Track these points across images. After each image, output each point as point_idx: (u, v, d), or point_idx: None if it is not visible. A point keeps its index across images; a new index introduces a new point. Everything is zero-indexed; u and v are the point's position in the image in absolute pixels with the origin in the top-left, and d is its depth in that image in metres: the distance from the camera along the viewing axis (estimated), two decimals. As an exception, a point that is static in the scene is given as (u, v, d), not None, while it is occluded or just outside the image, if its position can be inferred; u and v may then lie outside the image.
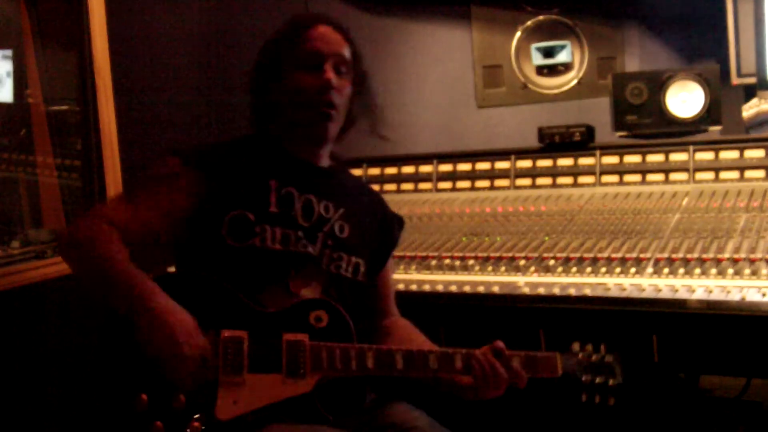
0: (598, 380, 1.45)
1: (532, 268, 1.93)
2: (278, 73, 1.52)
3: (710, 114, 2.43)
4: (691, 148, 2.36)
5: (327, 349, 1.35)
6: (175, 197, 1.43)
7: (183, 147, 1.52)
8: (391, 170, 2.73)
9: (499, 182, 2.58)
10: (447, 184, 2.64)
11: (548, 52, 3.13)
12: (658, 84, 2.47)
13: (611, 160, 2.45)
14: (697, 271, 1.77)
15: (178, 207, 1.43)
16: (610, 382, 1.46)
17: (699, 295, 1.68)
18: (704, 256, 1.83)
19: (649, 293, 1.72)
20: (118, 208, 1.45)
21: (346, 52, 1.55)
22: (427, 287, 1.94)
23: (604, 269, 1.86)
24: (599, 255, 1.93)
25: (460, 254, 2.07)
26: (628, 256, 1.90)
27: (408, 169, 2.71)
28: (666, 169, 2.38)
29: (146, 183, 1.48)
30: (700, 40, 3.02)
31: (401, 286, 1.97)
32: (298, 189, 1.51)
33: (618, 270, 1.85)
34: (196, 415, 1.29)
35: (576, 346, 1.49)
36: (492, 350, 1.42)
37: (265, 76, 1.54)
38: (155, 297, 1.29)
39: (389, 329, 1.64)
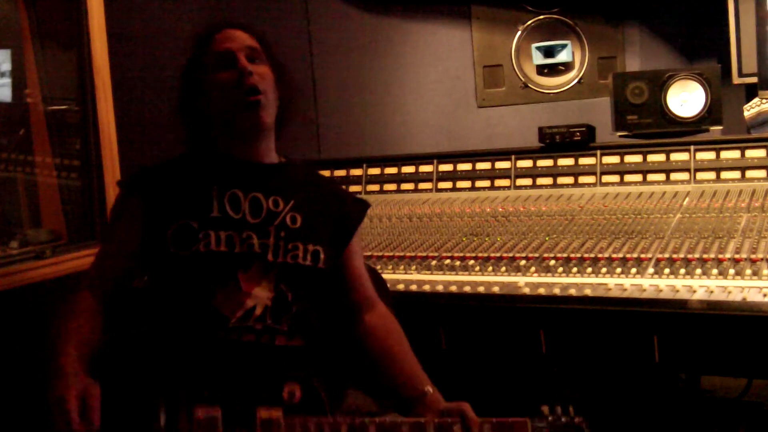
0: None
1: (533, 269, 1.93)
2: (200, 87, 1.56)
3: (711, 114, 2.43)
4: (692, 148, 2.36)
5: (301, 424, 1.33)
6: (129, 228, 1.52)
7: (128, 176, 1.62)
8: (391, 170, 2.73)
9: (499, 182, 2.57)
10: (447, 184, 2.64)
11: (549, 52, 3.13)
12: (659, 84, 2.47)
13: (612, 160, 2.45)
14: (698, 271, 1.77)
15: (134, 235, 1.51)
16: None
17: (700, 295, 1.67)
18: (705, 256, 1.82)
19: (650, 293, 1.72)
20: (93, 266, 1.54)
21: (255, 44, 1.58)
22: (427, 287, 1.93)
23: (604, 269, 1.86)
24: (600, 255, 1.93)
25: (461, 254, 2.07)
26: (628, 256, 1.89)
27: (408, 169, 2.71)
28: (667, 169, 2.37)
29: (108, 228, 1.61)
30: (700, 40, 3.02)
31: (401, 287, 1.97)
32: (243, 190, 1.52)
33: (619, 270, 1.84)
34: None
35: (545, 409, 1.50)
36: (463, 428, 1.39)
37: (190, 95, 1.59)
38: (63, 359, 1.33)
39: (368, 331, 1.60)
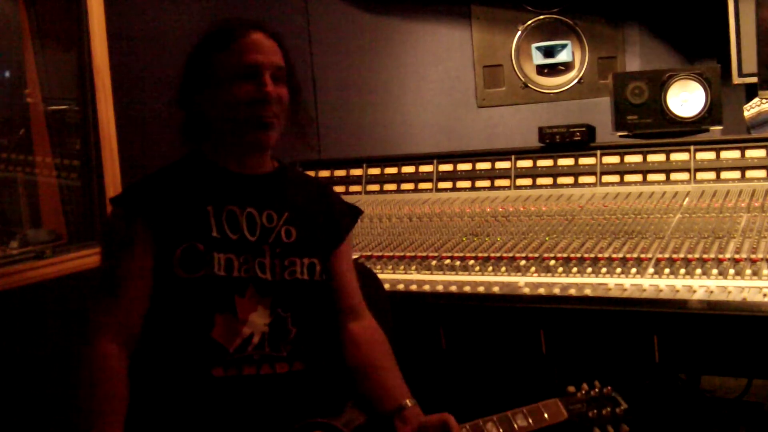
0: (605, 412, 1.45)
1: (533, 269, 1.93)
2: (211, 84, 1.45)
3: (711, 114, 2.43)
4: (692, 148, 2.36)
5: None
6: (142, 254, 1.41)
7: (126, 195, 1.50)
8: (391, 170, 2.73)
9: (499, 182, 2.57)
10: (447, 184, 2.64)
11: (549, 52, 3.13)
12: (659, 84, 2.47)
13: (612, 160, 2.45)
14: (698, 271, 1.77)
15: (148, 261, 1.41)
16: (617, 410, 1.46)
17: (700, 295, 1.67)
18: (705, 256, 1.82)
19: (650, 293, 1.72)
20: (107, 309, 1.40)
21: (281, 60, 1.48)
22: (427, 287, 1.93)
23: (604, 269, 1.86)
24: (600, 255, 1.93)
25: (460, 254, 2.07)
26: (629, 256, 1.89)
27: (408, 169, 2.71)
28: (667, 169, 2.37)
29: (115, 258, 1.43)
30: (700, 40, 3.02)
31: (401, 287, 1.97)
32: (239, 205, 1.47)
33: (619, 270, 1.84)
34: None
35: (571, 388, 1.50)
36: None
37: (196, 88, 1.48)
38: None
39: (351, 341, 1.57)
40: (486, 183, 2.59)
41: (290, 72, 1.52)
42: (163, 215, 1.42)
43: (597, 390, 1.50)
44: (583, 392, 1.48)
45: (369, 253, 2.17)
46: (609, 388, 1.50)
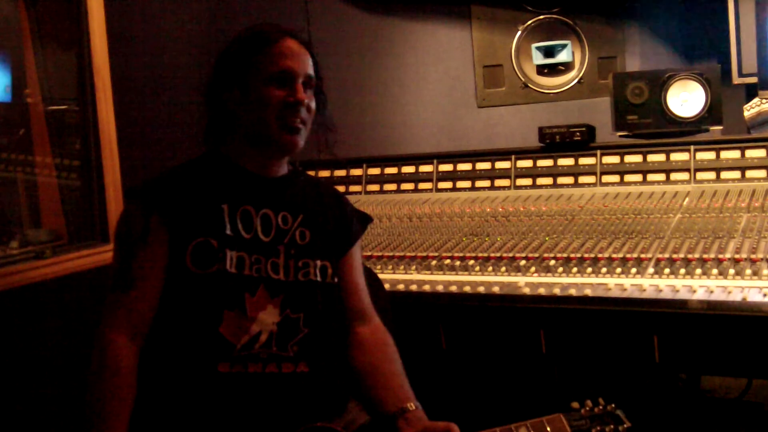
0: (608, 430, 1.46)
1: (533, 269, 1.93)
2: (242, 85, 1.48)
3: (711, 114, 2.43)
4: (692, 148, 2.36)
5: None
6: (156, 250, 1.42)
7: (140, 189, 1.49)
8: (391, 170, 2.73)
9: (499, 182, 2.57)
10: (447, 184, 2.64)
11: (549, 52, 3.13)
12: (659, 84, 2.47)
13: (612, 160, 2.45)
14: (698, 271, 1.77)
15: (162, 257, 1.42)
16: (620, 428, 1.47)
17: (700, 295, 1.67)
18: (705, 256, 1.82)
19: (650, 293, 1.72)
20: (120, 304, 1.41)
21: (312, 70, 1.54)
22: (427, 287, 1.93)
23: (604, 269, 1.86)
24: (600, 255, 1.93)
25: (461, 254, 2.07)
26: (629, 256, 1.89)
27: (408, 169, 2.71)
28: (667, 169, 2.37)
29: (129, 253, 1.44)
30: (700, 40, 3.02)
31: (401, 287, 1.97)
32: (254, 206, 1.49)
33: (619, 270, 1.84)
34: None
35: (575, 404, 1.50)
36: None
37: (227, 87, 1.50)
38: None
39: (358, 343, 1.58)
40: (486, 183, 2.59)
41: (319, 82, 1.57)
42: (178, 211, 1.44)
43: (601, 407, 1.50)
44: (587, 408, 1.48)
45: (369, 253, 2.17)
46: (612, 405, 1.50)
